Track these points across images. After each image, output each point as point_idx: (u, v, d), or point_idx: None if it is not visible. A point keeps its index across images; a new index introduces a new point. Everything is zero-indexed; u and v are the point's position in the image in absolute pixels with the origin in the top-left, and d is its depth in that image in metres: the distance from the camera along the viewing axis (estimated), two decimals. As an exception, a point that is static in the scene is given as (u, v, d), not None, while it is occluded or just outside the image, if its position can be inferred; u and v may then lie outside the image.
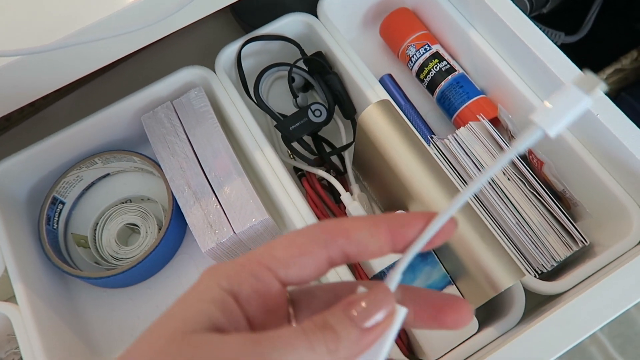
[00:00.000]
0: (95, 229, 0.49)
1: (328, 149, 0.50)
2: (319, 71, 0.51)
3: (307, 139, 0.51)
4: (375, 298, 0.19)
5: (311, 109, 0.48)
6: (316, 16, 0.52)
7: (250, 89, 0.51)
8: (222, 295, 0.19)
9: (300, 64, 0.52)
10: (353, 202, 0.45)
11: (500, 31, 0.46)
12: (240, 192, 0.44)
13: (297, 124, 0.47)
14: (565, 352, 0.35)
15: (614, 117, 0.40)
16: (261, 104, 0.48)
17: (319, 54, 0.52)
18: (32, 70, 0.39)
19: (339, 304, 0.19)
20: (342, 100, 0.51)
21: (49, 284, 0.46)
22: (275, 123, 0.48)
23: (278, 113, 0.49)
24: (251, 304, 0.20)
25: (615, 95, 0.68)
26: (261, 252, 0.20)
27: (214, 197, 0.44)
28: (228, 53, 0.50)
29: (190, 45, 0.60)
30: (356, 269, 0.44)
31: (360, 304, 0.19)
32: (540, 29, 0.46)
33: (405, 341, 0.40)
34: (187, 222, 0.44)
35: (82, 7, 0.38)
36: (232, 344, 0.18)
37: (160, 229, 0.48)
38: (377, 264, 0.41)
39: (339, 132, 0.51)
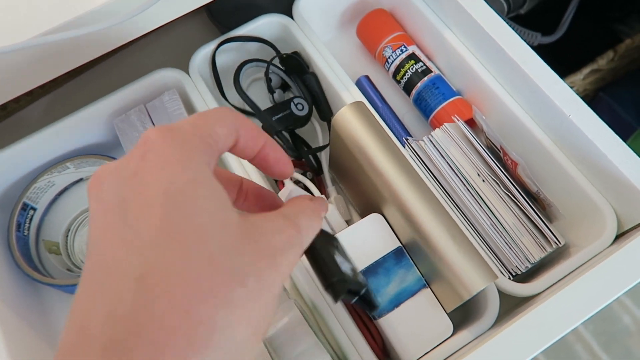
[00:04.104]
0: (67, 235, 0.48)
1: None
2: (296, 71, 0.51)
3: (285, 140, 0.50)
4: (324, 201, 0.28)
5: (294, 102, 0.47)
6: (292, 17, 0.51)
7: (226, 90, 0.50)
8: (210, 173, 0.21)
9: (278, 63, 0.51)
10: (329, 205, 0.45)
11: (474, 32, 0.46)
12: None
13: (280, 115, 0.46)
14: (546, 350, 0.35)
15: (586, 118, 0.40)
16: (242, 95, 0.47)
17: (295, 54, 0.51)
18: (1, 70, 0.38)
19: (308, 201, 0.26)
20: (318, 102, 0.50)
21: (19, 292, 0.45)
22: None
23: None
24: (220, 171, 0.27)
25: (594, 96, 0.68)
26: (205, 124, 0.22)
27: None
28: (202, 55, 0.50)
29: (164, 46, 0.60)
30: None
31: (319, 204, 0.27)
32: (517, 29, 0.46)
33: (380, 344, 0.40)
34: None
35: (50, 6, 0.37)
36: (276, 221, 0.22)
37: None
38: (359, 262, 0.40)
39: (316, 134, 0.51)
